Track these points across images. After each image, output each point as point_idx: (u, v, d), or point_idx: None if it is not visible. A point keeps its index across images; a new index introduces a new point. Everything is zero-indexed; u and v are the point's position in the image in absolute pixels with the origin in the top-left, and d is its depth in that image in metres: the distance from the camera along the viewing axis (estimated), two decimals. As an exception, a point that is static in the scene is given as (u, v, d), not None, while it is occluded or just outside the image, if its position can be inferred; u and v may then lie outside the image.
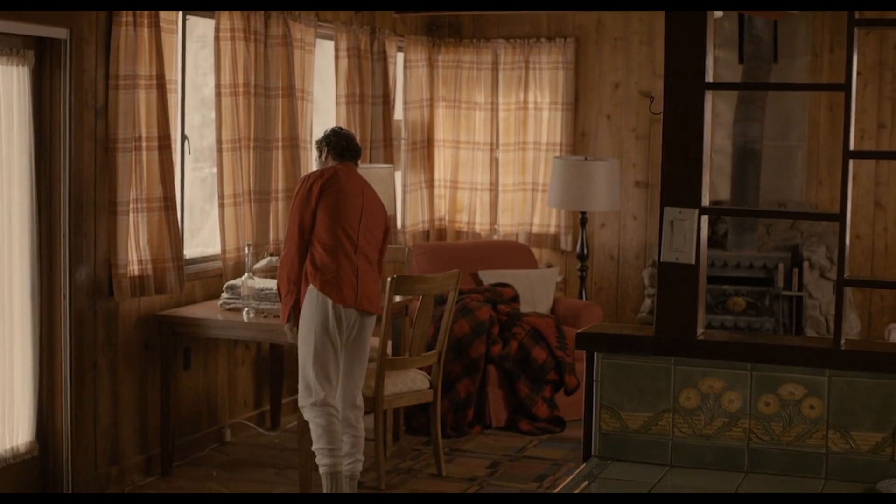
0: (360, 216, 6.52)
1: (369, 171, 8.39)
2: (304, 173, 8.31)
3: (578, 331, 3.98)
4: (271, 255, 7.90)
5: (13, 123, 6.22)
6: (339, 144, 6.67)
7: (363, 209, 6.55)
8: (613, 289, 10.21)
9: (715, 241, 9.60)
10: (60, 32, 6.36)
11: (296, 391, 7.62)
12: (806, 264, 9.25)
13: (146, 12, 6.78)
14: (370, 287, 6.52)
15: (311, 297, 6.37)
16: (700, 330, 3.85)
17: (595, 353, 3.90)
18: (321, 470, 6.47)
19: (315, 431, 6.44)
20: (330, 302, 6.34)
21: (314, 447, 6.47)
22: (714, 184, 9.72)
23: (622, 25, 10.07)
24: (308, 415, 6.45)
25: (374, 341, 7.31)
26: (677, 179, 3.81)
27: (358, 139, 8.99)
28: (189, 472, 7.25)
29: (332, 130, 6.77)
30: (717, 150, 9.69)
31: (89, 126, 6.60)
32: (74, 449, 6.56)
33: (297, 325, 6.46)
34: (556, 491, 3.55)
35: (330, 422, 6.43)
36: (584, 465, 3.81)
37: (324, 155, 6.69)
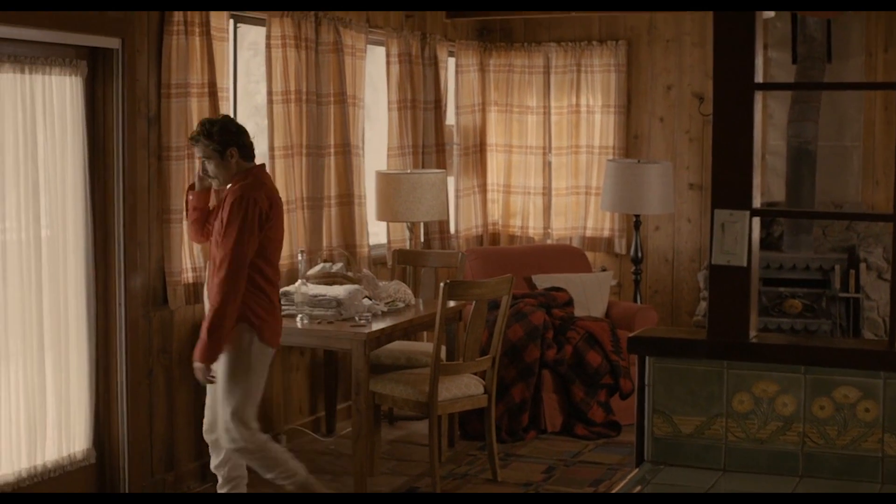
0: (281, 236, 6.11)
1: (422, 176, 8.40)
2: (357, 179, 8.33)
3: (630, 335, 3.96)
4: (324, 261, 7.91)
5: (67, 133, 6.28)
6: (245, 140, 6.02)
7: (282, 223, 6.07)
8: (668, 292, 10.16)
9: (770, 242, 9.53)
10: (113, 42, 6.41)
11: (349, 397, 7.62)
12: (863, 265, 9.15)
13: (197, 21, 6.81)
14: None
15: (243, 339, 5.92)
16: (753, 333, 3.82)
17: (647, 358, 3.87)
18: (291, 489, 6.23)
19: (264, 465, 6.14)
20: (270, 349, 6.04)
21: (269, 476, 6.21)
22: (769, 185, 9.65)
23: (674, 27, 10.02)
24: (247, 457, 6.13)
25: (427, 346, 7.30)
26: (727, 181, 3.78)
27: (410, 144, 9.03)
28: (245, 479, 7.27)
29: (223, 121, 6.02)
30: (772, 151, 9.61)
31: (142, 135, 6.64)
32: (131, 456, 6.60)
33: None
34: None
35: (268, 444, 6.14)
36: (637, 470, 3.79)
37: (231, 156, 5.95)
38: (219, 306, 5.76)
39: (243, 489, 6.27)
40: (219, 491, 6.27)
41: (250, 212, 5.77)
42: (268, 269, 5.93)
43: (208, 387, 6.13)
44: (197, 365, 5.89)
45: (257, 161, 6.14)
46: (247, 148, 6.00)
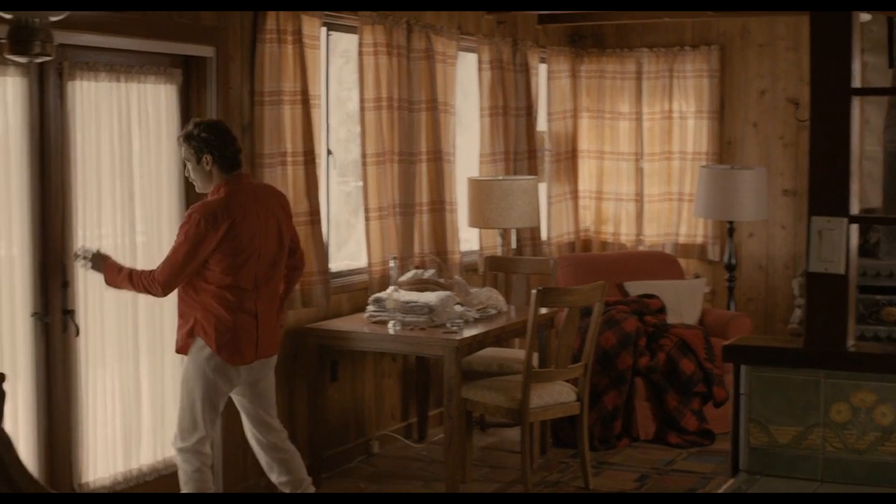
0: (259, 250, 5.74)
1: (513, 183, 8.39)
2: (448, 186, 8.33)
3: (725, 343, 3.92)
4: (416, 268, 7.93)
5: (161, 140, 6.35)
6: (223, 147, 5.70)
7: (262, 237, 5.75)
8: (762, 299, 10.05)
9: (867, 249, 9.39)
10: (207, 51, 6.48)
11: (441, 403, 7.64)
12: (962, 272, 9.01)
13: (290, 29, 6.86)
14: (271, 331, 5.89)
15: (203, 352, 5.74)
16: (851, 341, 3.76)
17: (742, 366, 3.83)
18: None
19: (182, 477, 5.89)
20: (223, 361, 5.75)
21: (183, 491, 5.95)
22: (865, 191, 9.51)
23: (767, 31, 9.92)
24: (179, 458, 5.89)
25: (518, 353, 7.28)
26: (825, 188, 3.73)
27: (502, 151, 9.01)
28: (337, 484, 7.30)
29: (207, 125, 5.71)
30: (868, 156, 9.47)
31: (236, 142, 6.69)
32: (225, 460, 6.65)
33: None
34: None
35: (200, 467, 5.88)
36: (733, 480, 3.75)
37: (206, 164, 5.69)
38: (126, 285, 5.68)
39: (311, 489, 6.23)
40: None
41: (191, 233, 5.56)
42: (234, 285, 5.66)
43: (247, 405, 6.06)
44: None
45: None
46: (226, 159, 5.68)
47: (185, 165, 5.84)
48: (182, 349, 5.84)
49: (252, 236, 5.68)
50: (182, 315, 5.81)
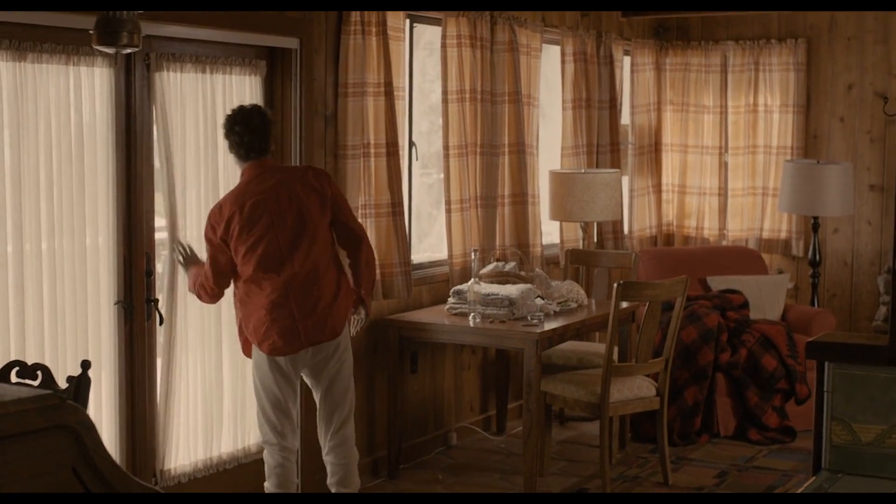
0: (275, 234, 5.61)
1: (596, 176, 8.36)
2: (530, 178, 8.32)
3: (809, 339, 3.88)
4: (497, 260, 7.93)
5: (246, 131, 6.39)
6: (233, 134, 5.66)
7: (278, 222, 5.61)
8: (847, 296, 9.94)
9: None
10: (291, 42, 6.51)
11: (520, 396, 7.65)
12: None
13: (374, 21, 6.88)
14: (318, 317, 5.71)
15: (254, 350, 5.81)
16: (937, 340, 3.71)
17: (826, 363, 3.79)
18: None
19: (266, 470, 5.92)
20: (267, 355, 5.75)
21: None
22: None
23: (855, 24, 9.80)
24: (264, 451, 5.93)
25: (599, 347, 7.24)
26: (913, 184, 3.68)
27: (584, 144, 8.98)
28: (415, 475, 7.32)
29: (229, 114, 5.70)
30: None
31: (319, 133, 6.73)
32: (304, 450, 6.68)
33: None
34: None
35: (283, 462, 5.87)
36: (814, 478, 3.71)
37: (229, 151, 5.75)
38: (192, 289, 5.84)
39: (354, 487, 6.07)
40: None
41: (206, 229, 5.70)
42: (259, 273, 5.60)
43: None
44: None
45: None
46: (239, 146, 5.65)
47: None
48: (245, 352, 5.91)
49: (263, 221, 5.57)
50: (236, 317, 5.85)
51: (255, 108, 5.70)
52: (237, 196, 5.63)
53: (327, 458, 5.97)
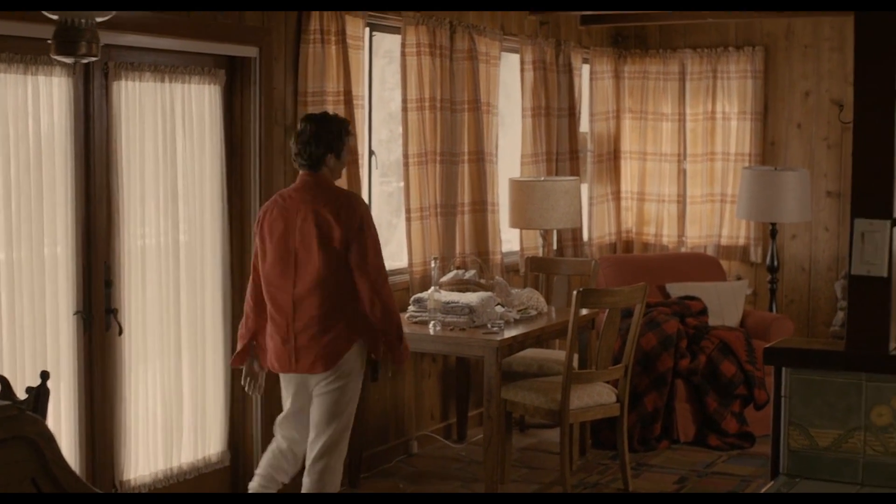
0: (287, 256, 5.64)
1: (555, 183, 8.38)
2: (490, 186, 8.35)
3: (766, 345, 3.90)
4: (457, 268, 7.93)
5: (205, 140, 6.38)
6: (295, 143, 5.73)
7: (290, 242, 5.65)
8: (805, 301, 10.00)
9: (911, 252, 9.32)
10: (250, 51, 6.51)
11: (481, 404, 7.65)
12: None
13: (333, 29, 6.88)
14: (307, 342, 5.67)
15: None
16: (893, 344, 3.74)
17: (784, 369, 3.81)
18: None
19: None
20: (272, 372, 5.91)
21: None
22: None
23: (812, 32, 9.87)
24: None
25: (559, 354, 7.27)
26: (868, 190, 3.71)
27: (544, 151, 9.00)
28: (376, 484, 7.32)
29: (301, 121, 5.80)
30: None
31: (279, 142, 6.72)
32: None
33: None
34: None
35: (274, 448, 5.99)
36: (772, 483, 3.73)
37: None
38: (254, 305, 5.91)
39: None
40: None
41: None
42: (264, 289, 5.75)
43: None
44: None
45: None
46: (295, 155, 5.74)
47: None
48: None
49: (276, 234, 5.66)
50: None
51: (310, 117, 5.78)
52: (274, 201, 5.75)
53: (304, 481, 5.89)
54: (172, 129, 6.18)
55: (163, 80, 6.11)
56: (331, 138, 5.66)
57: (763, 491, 3.60)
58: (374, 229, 5.74)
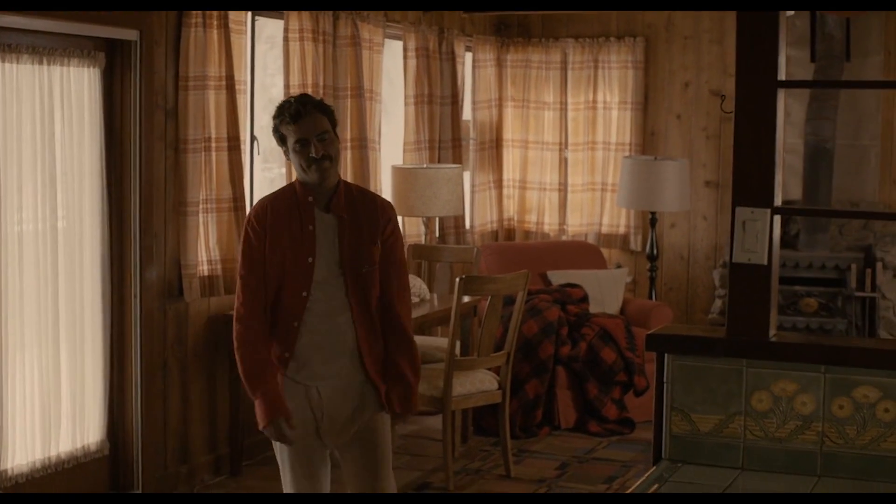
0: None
1: (438, 171, 8.39)
2: (373, 174, 8.31)
3: (648, 332, 3.94)
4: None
5: (84, 124, 6.28)
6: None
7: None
8: (683, 289, 10.13)
9: (786, 241, 9.50)
10: (131, 34, 6.41)
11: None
12: (879, 265, 9.13)
13: (215, 14, 6.81)
14: None
15: None
16: (772, 331, 3.80)
17: (665, 355, 3.85)
18: None
19: None
20: None
21: None
22: (786, 183, 9.61)
23: (692, 24, 9.99)
24: None
25: (441, 341, 7.29)
26: (749, 179, 3.76)
27: (426, 139, 9.00)
28: (258, 472, 7.27)
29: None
30: (789, 149, 9.58)
31: (159, 127, 6.64)
32: (144, 448, 6.60)
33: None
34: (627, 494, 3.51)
35: None
36: (655, 467, 3.77)
37: None
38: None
39: None
40: None
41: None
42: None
43: None
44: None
45: None
46: None
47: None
48: None
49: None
50: None
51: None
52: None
53: None
54: (51, 113, 6.07)
55: (41, 63, 5.99)
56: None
57: (646, 475, 3.64)
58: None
